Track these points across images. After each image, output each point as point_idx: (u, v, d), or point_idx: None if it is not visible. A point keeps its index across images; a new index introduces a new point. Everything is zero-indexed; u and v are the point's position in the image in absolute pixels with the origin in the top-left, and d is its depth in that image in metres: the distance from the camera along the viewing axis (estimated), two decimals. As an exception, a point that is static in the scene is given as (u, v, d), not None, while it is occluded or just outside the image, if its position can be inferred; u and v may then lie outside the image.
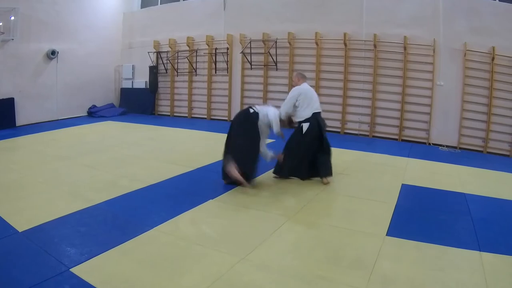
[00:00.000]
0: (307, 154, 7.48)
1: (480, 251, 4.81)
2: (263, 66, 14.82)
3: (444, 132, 12.19)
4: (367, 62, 13.01)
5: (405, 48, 12.26)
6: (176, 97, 17.16)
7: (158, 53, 17.05)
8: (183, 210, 5.88)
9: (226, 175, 7.12)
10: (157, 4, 17.85)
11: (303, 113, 7.41)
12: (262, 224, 5.51)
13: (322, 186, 7.28)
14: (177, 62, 16.72)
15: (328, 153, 7.57)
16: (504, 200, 7.00)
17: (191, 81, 16.62)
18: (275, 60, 14.34)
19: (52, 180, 7.37)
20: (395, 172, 8.57)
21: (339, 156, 8.81)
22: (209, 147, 10.64)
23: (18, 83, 14.02)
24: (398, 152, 10.58)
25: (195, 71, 16.35)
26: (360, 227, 5.53)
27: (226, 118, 15.82)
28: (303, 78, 7.79)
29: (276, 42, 14.17)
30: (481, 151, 11.64)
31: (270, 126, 7.26)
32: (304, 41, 13.94)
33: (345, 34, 12.98)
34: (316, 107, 7.48)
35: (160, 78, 17.33)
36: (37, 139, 11.47)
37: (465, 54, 11.59)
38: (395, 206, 6.39)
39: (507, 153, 11.35)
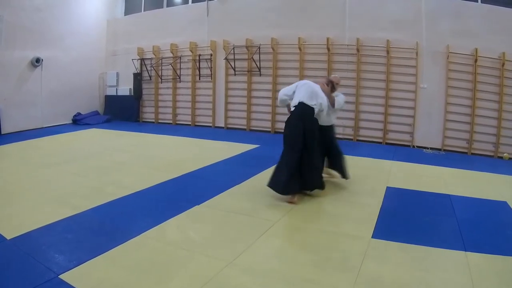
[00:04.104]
0: (288, 156, 6.57)
1: (465, 251, 4.83)
2: (246, 72, 14.83)
3: (428, 135, 12.28)
4: (350, 66, 13.06)
5: (388, 52, 12.34)
6: (160, 104, 17.10)
7: (142, 60, 16.99)
8: (169, 216, 5.83)
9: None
10: (141, 11, 17.77)
11: (292, 102, 6.74)
12: (248, 228, 5.47)
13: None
14: (161, 69, 16.67)
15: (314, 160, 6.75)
16: (488, 201, 7.06)
17: (175, 88, 16.58)
18: (258, 66, 14.36)
19: (38, 187, 7.28)
20: (379, 175, 8.60)
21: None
22: (194, 153, 10.65)
23: (3, 91, 13.86)
24: (383, 155, 10.62)
25: (179, 78, 16.31)
26: (345, 229, 5.53)
27: (211, 125, 15.81)
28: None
29: (259, 48, 14.20)
30: (466, 153, 11.74)
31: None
32: (287, 47, 13.98)
33: (328, 39, 13.05)
34: (304, 97, 6.59)
35: (144, 85, 17.25)
36: (23, 147, 11.32)
37: (448, 56, 11.70)
38: (380, 208, 6.40)
39: (491, 153, 11.46)
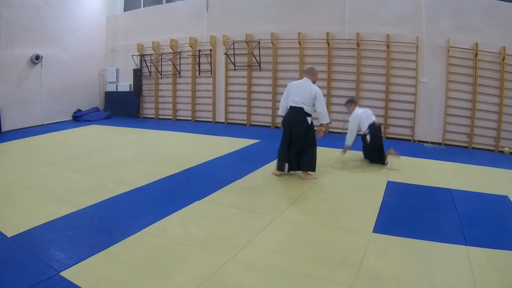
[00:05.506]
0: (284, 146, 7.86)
1: (466, 245, 4.82)
2: (246, 67, 14.80)
3: (428, 129, 12.26)
4: (350, 61, 13.03)
5: (388, 46, 12.30)
6: (160, 99, 17.07)
7: (142, 56, 16.96)
8: (170, 212, 5.83)
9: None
10: (140, 7, 17.72)
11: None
12: (249, 223, 5.47)
13: (308, 185, 7.27)
14: (161, 65, 16.65)
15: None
16: (489, 195, 7.03)
17: (175, 83, 16.55)
18: (258, 60, 14.33)
19: (38, 185, 7.27)
20: (380, 170, 8.60)
21: (324, 154, 8.81)
22: (195, 149, 10.64)
23: (3, 88, 13.84)
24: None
25: (179, 73, 16.29)
26: (346, 224, 5.52)
27: (211, 120, 15.80)
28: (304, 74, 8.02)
29: (259, 42, 14.17)
30: (466, 147, 11.71)
31: None
32: (287, 41, 13.94)
33: (328, 34, 13.00)
34: (292, 100, 7.72)
35: (144, 81, 17.24)
36: (22, 145, 11.31)
37: (448, 50, 11.66)
38: (381, 203, 6.39)
39: (492, 148, 11.43)
